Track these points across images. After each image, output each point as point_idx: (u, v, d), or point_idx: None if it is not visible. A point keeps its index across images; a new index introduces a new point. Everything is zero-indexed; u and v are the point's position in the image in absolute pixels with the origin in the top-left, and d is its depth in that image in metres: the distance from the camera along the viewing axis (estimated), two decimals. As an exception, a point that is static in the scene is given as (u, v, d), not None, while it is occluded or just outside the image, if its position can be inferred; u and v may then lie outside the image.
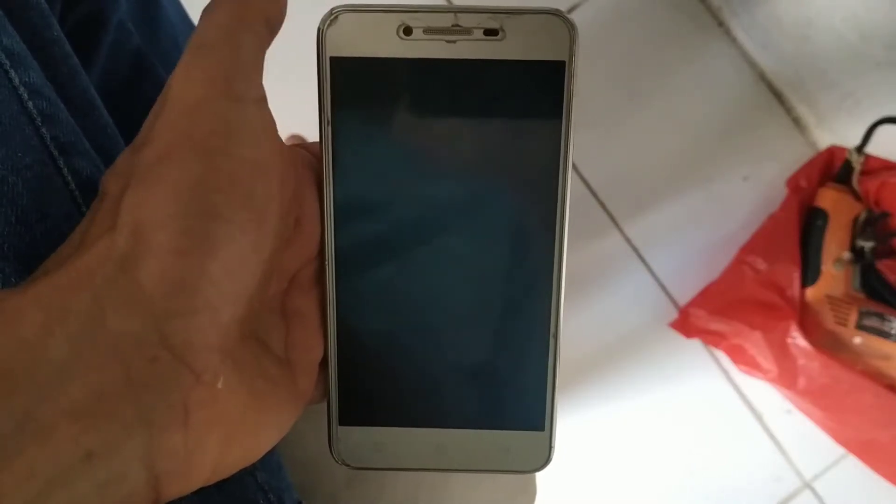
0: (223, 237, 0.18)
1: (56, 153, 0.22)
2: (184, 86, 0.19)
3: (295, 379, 0.22)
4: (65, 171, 0.22)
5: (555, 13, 0.21)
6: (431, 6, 0.21)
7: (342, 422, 0.24)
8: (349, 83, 0.22)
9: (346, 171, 0.22)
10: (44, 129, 0.22)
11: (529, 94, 0.22)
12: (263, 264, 0.19)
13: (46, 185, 0.21)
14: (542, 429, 0.23)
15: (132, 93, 0.36)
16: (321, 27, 0.21)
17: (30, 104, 0.21)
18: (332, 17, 0.21)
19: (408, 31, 0.21)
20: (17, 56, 0.21)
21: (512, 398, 0.23)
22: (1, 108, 0.20)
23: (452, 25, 0.21)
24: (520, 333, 0.23)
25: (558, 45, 0.21)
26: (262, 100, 0.20)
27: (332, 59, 0.21)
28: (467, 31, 0.21)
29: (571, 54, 0.21)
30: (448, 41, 0.21)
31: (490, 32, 0.21)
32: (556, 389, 0.23)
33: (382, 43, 0.21)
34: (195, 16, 0.46)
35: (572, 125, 0.22)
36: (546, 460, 0.24)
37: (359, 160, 0.22)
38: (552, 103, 0.22)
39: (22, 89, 0.21)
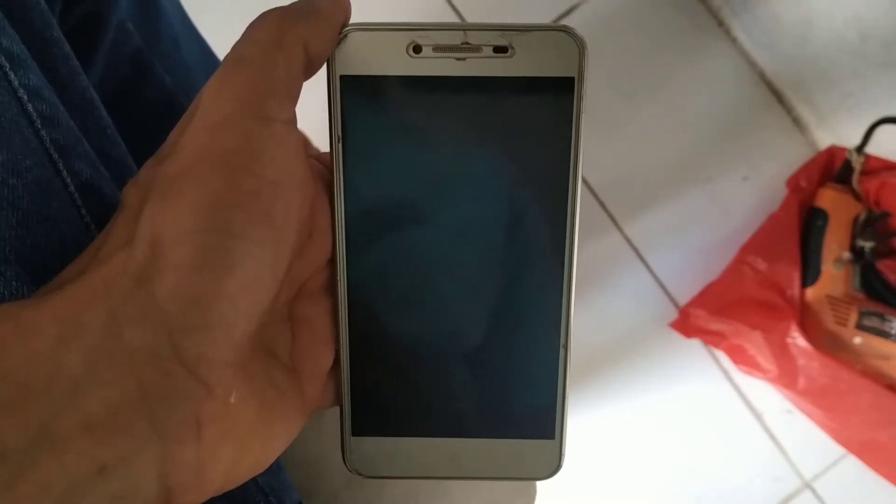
0: (241, 254, 0.18)
1: (56, 155, 0.22)
2: (213, 100, 0.19)
3: (302, 387, 0.22)
4: (64, 173, 0.22)
5: (564, 30, 0.21)
6: (441, 24, 0.21)
7: (355, 432, 0.24)
8: (359, 101, 0.22)
9: (356, 187, 0.22)
10: (43, 132, 0.22)
11: (539, 111, 0.22)
12: (279, 281, 0.19)
13: (46, 187, 0.21)
14: (552, 437, 0.24)
15: (132, 93, 0.36)
16: None
17: (29, 106, 0.21)
18: (341, 35, 0.21)
19: (417, 49, 0.21)
20: (16, 58, 0.21)
21: (524, 407, 0.23)
22: (1, 110, 0.20)
23: (462, 43, 0.21)
24: (531, 344, 0.23)
25: (568, 62, 0.21)
26: (291, 122, 0.20)
27: (342, 77, 0.21)
28: (477, 48, 0.21)
29: (581, 70, 0.21)
30: (458, 59, 0.21)
31: (499, 49, 0.21)
32: (567, 398, 0.23)
33: (392, 61, 0.21)
34: (195, 16, 0.46)
35: (581, 141, 0.22)
36: (556, 467, 0.24)
37: (369, 178, 0.22)
38: (562, 120, 0.22)
39: (21, 91, 0.21)
